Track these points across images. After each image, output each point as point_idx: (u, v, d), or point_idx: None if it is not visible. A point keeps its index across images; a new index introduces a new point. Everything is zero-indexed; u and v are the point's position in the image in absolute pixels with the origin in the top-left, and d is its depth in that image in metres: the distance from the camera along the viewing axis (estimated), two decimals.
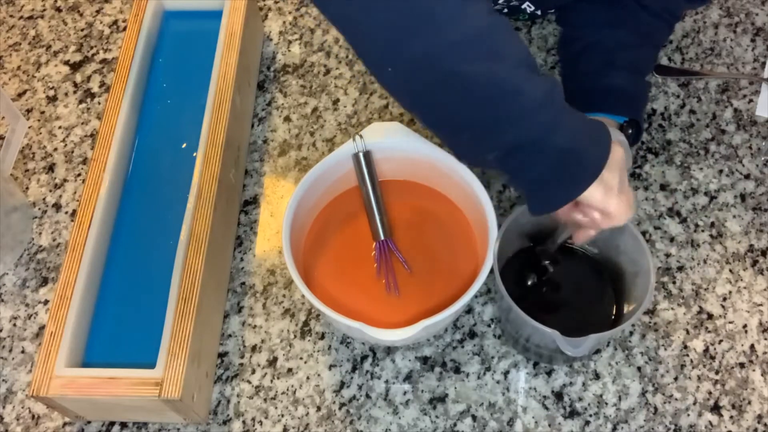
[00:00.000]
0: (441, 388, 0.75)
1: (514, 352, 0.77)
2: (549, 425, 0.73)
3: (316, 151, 0.91)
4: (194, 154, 0.80)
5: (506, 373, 0.76)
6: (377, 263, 0.77)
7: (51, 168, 0.91)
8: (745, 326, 0.78)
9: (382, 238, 0.76)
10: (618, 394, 0.74)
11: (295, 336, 0.79)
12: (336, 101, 0.94)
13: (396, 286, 0.76)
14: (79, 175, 0.90)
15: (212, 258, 0.75)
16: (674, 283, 0.80)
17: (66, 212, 0.88)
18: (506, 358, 0.76)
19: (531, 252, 0.77)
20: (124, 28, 1.02)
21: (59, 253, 0.85)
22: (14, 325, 0.81)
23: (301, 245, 0.77)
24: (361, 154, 0.76)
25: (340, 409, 0.75)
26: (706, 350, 0.77)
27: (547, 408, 0.74)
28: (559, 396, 0.74)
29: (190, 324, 0.70)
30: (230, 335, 0.79)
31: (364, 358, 0.77)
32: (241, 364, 0.77)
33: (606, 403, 0.74)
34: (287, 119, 0.93)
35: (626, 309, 0.73)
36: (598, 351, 0.77)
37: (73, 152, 0.92)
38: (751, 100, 0.92)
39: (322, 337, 0.79)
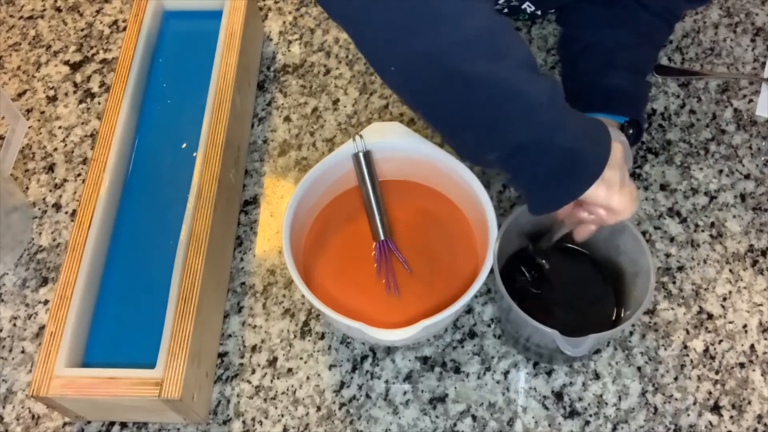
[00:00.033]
0: (441, 388, 0.75)
1: (514, 352, 0.77)
2: (549, 425, 0.73)
3: (316, 151, 0.91)
4: (194, 154, 0.80)
5: (506, 373, 0.76)
6: (377, 263, 0.77)
7: (51, 168, 0.91)
8: (745, 326, 0.78)
9: (382, 238, 0.76)
10: (618, 394, 0.74)
11: (295, 336, 0.79)
12: (336, 101, 0.94)
13: (396, 286, 0.76)
14: (79, 175, 0.90)
15: (212, 258, 0.75)
16: (674, 283, 0.80)
17: (66, 212, 0.88)
18: (506, 358, 0.76)
19: (527, 251, 0.77)
20: (124, 28, 1.02)
21: (59, 253, 0.85)
22: (14, 325, 0.81)
23: (301, 245, 0.77)
24: (361, 154, 0.76)
25: (340, 409, 0.75)
26: (706, 350, 0.77)
27: (547, 408, 0.74)
28: (559, 396, 0.74)
29: (190, 324, 0.70)
30: (230, 335, 0.79)
31: (364, 358, 0.77)
32: (241, 364, 0.77)
33: (606, 403, 0.74)
34: (287, 119, 0.93)
35: (626, 309, 0.73)
36: (598, 351, 0.77)
37: (73, 152, 0.92)
38: (751, 100, 0.92)
39: (322, 337, 0.79)
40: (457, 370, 0.76)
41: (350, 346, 0.78)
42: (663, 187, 0.86)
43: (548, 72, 0.95)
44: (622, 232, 0.72)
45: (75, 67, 0.99)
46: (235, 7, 0.89)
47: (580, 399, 0.74)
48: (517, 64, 0.58)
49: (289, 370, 0.77)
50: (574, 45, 0.85)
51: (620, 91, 0.81)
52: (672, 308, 0.79)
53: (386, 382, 0.76)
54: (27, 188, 0.90)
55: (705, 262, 0.81)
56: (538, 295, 0.76)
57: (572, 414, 0.73)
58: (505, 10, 0.90)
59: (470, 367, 0.76)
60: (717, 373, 0.75)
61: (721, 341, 0.77)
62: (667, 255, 0.82)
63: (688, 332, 0.77)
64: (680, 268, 0.81)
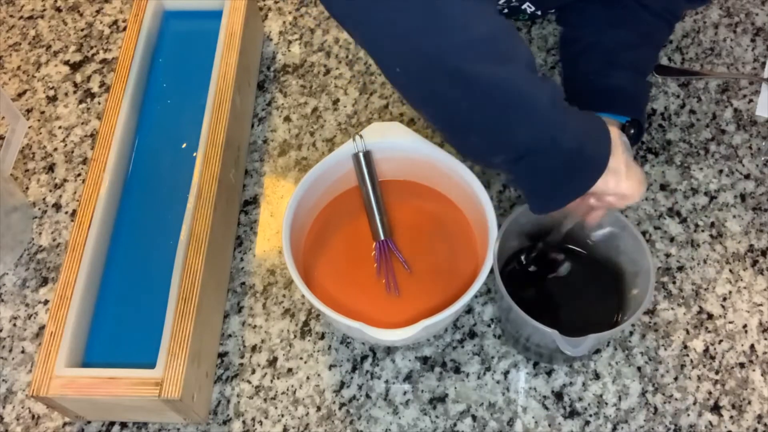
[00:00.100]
0: (441, 388, 0.75)
1: (514, 352, 0.77)
2: (549, 425, 0.73)
3: (316, 151, 0.91)
4: (194, 154, 0.80)
5: (506, 373, 0.76)
6: (377, 263, 0.77)
7: (51, 168, 0.91)
8: (745, 326, 0.78)
9: (382, 238, 0.76)
10: (618, 394, 0.74)
11: (295, 336, 0.79)
12: (336, 101, 0.94)
13: (396, 286, 0.76)
14: (79, 175, 0.90)
15: (212, 258, 0.75)
16: (674, 283, 0.80)
17: (66, 212, 0.88)
18: (506, 358, 0.76)
19: (532, 249, 0.77)
20: (124, 28, 1.02)
21: (59, 253, 0.85)
22: (14, 325, 0.81)
23: (301, 245, 0.77)
24: (361, 154, 0.76)
25: (340, 409, 0.75)
26: (706, 350, 0.77)
27: (547, 408, 0.74)
28: (559, 396, 0.74)
29: (190, 324, 0.70)
30: (230, 335, 0.79)
31: (364, 358, 0.77)
32: (241, 364, 0.77)
33: (606, 403, 0.74)
34: (287, 119, 0.93)
35: (626, 309, 0.73)
36: (598, 351, 0.77)
37: (73, 152, 0.92)
38: (751, 100, 0.92)
39: (322, 337, 0.79)
40: (457, 370, 0.76)
41: (350, 346, 0.78)
42: (663, 187, 0.86)
43: (548, 72, 0.95)
44: (622, 232, 0.72)
45: (75, 67, 0.99)
46: (235, 7, 0.89)
47: (580, 399, 0.74)
48: (521, 66, 0.58)
49: (289, 370, 0.77)
50: (575, 45, 0.85)
51: (621, 91, 0.81)
52: (672, 308, 0.79)
53: (386, 382, 0.76)
54: (27, 188, 0.90)
55: (705, 262, 0.81)
56: (538, 295, 0.76)
57: (572, 414, 0.73)
58: (505, 11, 0.90)
59: (470, 367, 0.76)
60: (717, 373, 0.75)
61: (721, 341, 0.77)
62: (667, 255, 0.82)
63: (688, 332, 0.77)
64: (680, 268, 0.81)
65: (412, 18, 0.55)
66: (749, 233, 0.83)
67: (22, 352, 0.79)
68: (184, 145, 0.83)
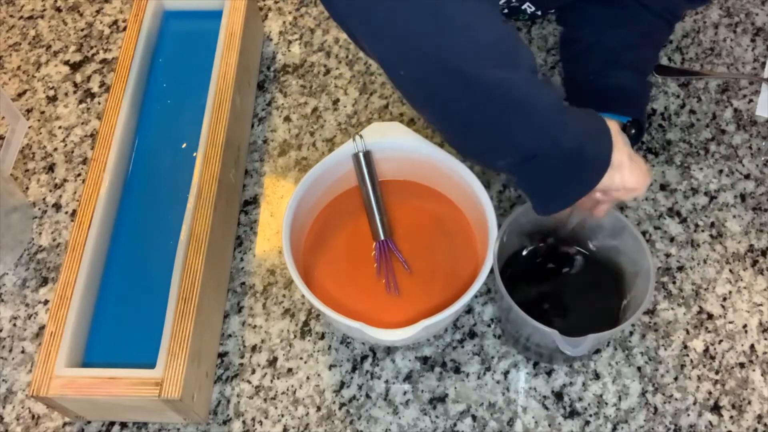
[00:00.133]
0: (441, 388, 0.75)
1: (514, 352, 0.77)
2: (549, 425, 0.73)
3: (316, 151, 0.91)
4: (194, 154, 0.80)
5: (506, 373, 0.76)
6: (377, 263, 0.77)
7: (51, 168, 0.91)
8: (745, 326, 0.78)
9: (382, 238, 0.76)
10: (618, 394, 0.74)
11: (295, 336, 0.79)
12: (336, 101, 0.94)
13: (396, 286, 0.76)
14: (79, 175, 0.90)
15: (212, 258, 0.75)
16: (674, 283, 0.80)
17: (66, 212, 0.88)
18: (506, 358, 0.76)
19: (542, 246, 0.77)
20: (124, 28, 1.02)
21: (59, 253, 0.85)
22: (14, 325, 0.81)
23: (301, 245, 0.77)
24: (361, 154, 0.76)
25: (340, 409, 0.75)
26: (706, 350, 0.77)
27: (547, 408, 0.74)
28: (559, 396, 0.74)
29: (190, 324, 0.70)
30: (230, 335, 0.79)
31: (364, 358, 0.77)
32: (241, 364, 0.77)
33: (606, 403, 0.74)
34: (287, 119, 0.93)
35: (626, 309, 0.73)
36: (598, 351, 0.77)
37: (73, 152, 0.92)
38: (751, 100, 0.92)
39: (322, 337, 0.79)
40: (457, 370, 0.76)
41: (350, 346, 0.78)
42: (663, 187, 0.86)
43: (548, 72, 0.95)
44: (622, 232, 0.72)
45: (75, 67, 0.99)
46: (235, 7, 0.89)
47: (580, 399, 0.74)
48: (525, 70, 0.58)
49: (289, 370, 0.77)
50: (575, 45, 0.85)
51: (622, 91, 0.81)
52: (672, 308, 0.79)
53: (386, 382, 0.76)
54: (27, 188, 0.90)
55: (705, 262, 0.81)
56: (538, 295, 0.76)
57: (572, 414, 0.73)
58: (505, 11, 0.90)
59: (470, 367, 0.76)
60: (717, 373, 0.75)
61: (721, 341, 0.77)
62: (667, 255, 0.82)
63: (688, 332, 0.77)
64: (680, 268, 0.81)
65: (413, 18, 0.55)
66: (749, 233, 0.83)
67: (22, 352, 0.79)
68: (184, 145, 0.83)
